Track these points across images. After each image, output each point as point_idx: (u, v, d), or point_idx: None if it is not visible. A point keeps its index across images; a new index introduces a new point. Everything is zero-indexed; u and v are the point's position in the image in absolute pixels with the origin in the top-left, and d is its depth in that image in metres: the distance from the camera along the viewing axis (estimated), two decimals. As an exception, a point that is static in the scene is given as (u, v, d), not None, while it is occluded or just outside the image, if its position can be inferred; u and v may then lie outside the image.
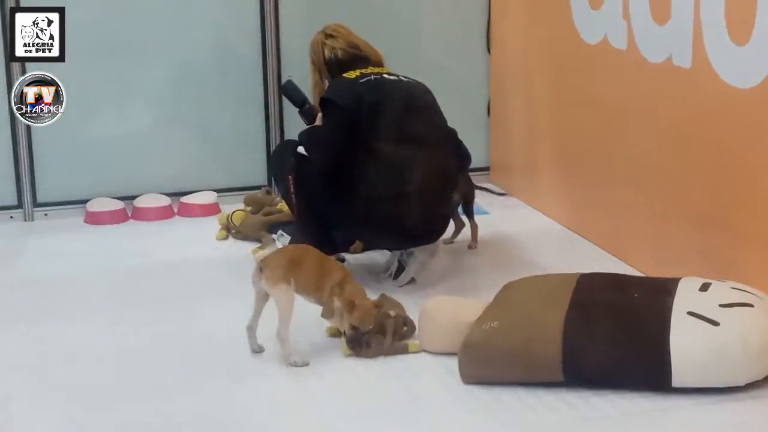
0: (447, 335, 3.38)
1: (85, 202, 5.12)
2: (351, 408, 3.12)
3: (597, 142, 4.49)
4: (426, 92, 4.15)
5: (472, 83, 5.57)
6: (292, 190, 4.14)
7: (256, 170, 5.37)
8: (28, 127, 5.00)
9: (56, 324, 3.79)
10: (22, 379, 3.34)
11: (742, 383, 3.07)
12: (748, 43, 3.39)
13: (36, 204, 5.14)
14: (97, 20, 5.05)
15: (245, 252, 4.36)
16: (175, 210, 5.17)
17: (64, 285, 4.22)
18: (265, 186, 5.23)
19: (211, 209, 5.13)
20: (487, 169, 5.56)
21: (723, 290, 3.25)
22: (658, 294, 3.26)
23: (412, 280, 4.07)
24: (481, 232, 4.56)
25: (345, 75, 4.08)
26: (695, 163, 3.75)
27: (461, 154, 4.27)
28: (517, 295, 3.45)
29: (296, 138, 4.19)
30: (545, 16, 4.90)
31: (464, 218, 4.54)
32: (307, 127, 4.17)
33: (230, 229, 4.75)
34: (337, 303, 3.42)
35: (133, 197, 5.15)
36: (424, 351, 3.44)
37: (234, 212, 4.79)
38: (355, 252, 4.34)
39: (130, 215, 5.10)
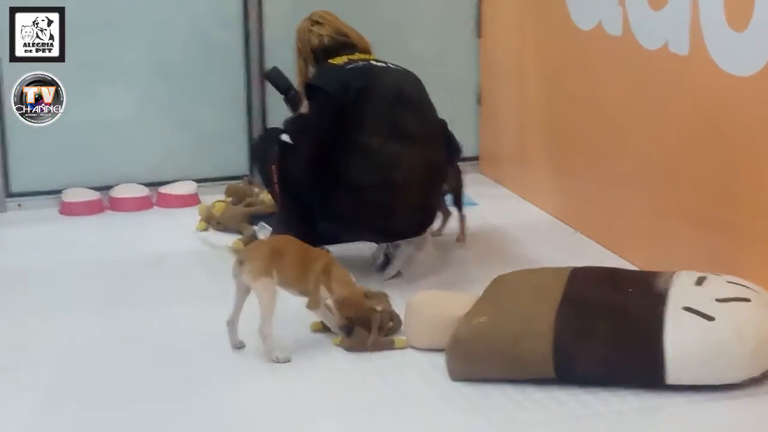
0: (434, 330, 3.37)
1: (59, 192, 5.10)
2: (334, 405, 3.12)
3: (591, 132, 4.49)
4: (415, 81, 4.14)
5: (461, 70, 5.56)
6: (275, 180, 4.13)
7: (237, 159, 5.35)
8: (0, 115, 4.98)
9: (28, 319, 3.76)
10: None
11: (738, 380, 3.07)
12: (747, 28, 3.39)
13: (9, 194, 5.11)
14: (75, 4, 5.01)
15: (226, 244, 4.34)
16: (154, 200, 5.15)
17: (38, 278, 4.20)
18: (246, 176, 5.21)
19: (191, 200, 5.11)
20: (476, 158, 5.55)
21: (719, 284, 3.25)
22: (652, 288, 3.25)
23: (399, 274, 4.07)
24: (470, 224, 4.55)
25: (331, 61, 4.07)
26: (693, 153, 3.75)
27: (451, 147, 4.27)
28: (508, 289, 3.44)
29: (280, 126, 4.18)
30: (537, 1, 4.88)
31: (453, 209, 4.53)
32: (292, 114, 4.15)
33: (210, 221, 4.73)
34: (323, 292, 3.42)
35: (110, 187, 5.13)
36: (411, 347, 3.44)
37: (215, 203, 4.78)
38: None
39: (106, 206, 5.08)
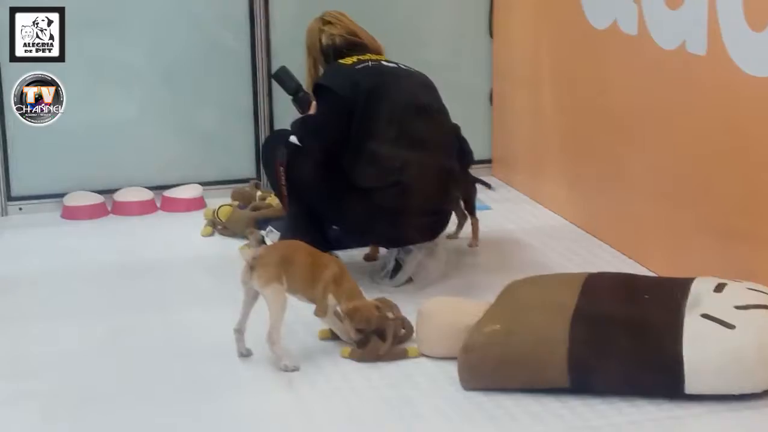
0: (446, 338, 3.37)
1: (62, 195, 5.11)
2: (343, 415, 3.12)
3: (606, 134, 4.48)
4: (427, 82, 4.15)
5: (473, 72, 5.56)
6: (282, 182, 4.13)
7: (244, 163, 5.36)
8: (1, 116, 4.99)
9: (30, 324, 3.77)
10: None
11: (758, 390, 3.07)
12: (767, 28, 3.38)
13: (10, 198, 5.13)
14: (79, 6, 5.03)
15: (232, 249, 4.35)
16: (158, 204, 5.16)
17: (40, 284, 4.21)
18: (253, 179, 5.22)
19: (197, 204, 5.12)
20: (489, 161, 5.55)
21: (739, 291, 3.24)
22: (669, 295, 3.25)
23: (409, 280, 4.07)
24: (482, 228, 4.55)
25: (341, 61, 4.08)
26: (711, 156, 3.74)
27: (463, 153, 4.27)
28: (521, 296, 3.44)
29: (288, 128, 4.18)
30: (551, 0, 4.88)
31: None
32: (301, 115, 4.16)
33: (216, 225, 4.74)
34: (331, 300, 3.42)
35: (114, 191, 5.14)
36: (422, 354, 3.44)
37: (220, 207, 4.78)
38: (371, 259, 4.30)
39: (110, 210, 5.09)
